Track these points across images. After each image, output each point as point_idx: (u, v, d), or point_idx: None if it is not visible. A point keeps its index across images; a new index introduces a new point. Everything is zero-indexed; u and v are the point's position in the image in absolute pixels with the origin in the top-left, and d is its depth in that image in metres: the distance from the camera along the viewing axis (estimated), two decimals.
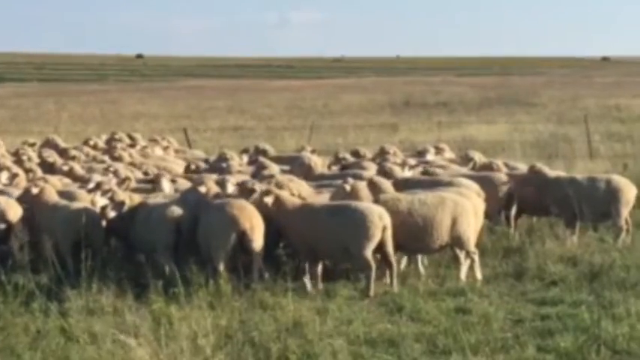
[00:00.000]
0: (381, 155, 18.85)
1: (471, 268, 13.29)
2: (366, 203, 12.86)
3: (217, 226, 12.41)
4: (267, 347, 9.88)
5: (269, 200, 12.77)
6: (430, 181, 15.13)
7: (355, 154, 19.71)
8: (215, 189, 13.68)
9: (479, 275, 13.23)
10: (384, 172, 15.53)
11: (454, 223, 13.04)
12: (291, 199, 12.96)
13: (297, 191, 13.37)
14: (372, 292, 12.23)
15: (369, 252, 12.36)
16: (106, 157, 19.59)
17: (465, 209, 13.23)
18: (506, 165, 17.30)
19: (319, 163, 17.88)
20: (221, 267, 12.20)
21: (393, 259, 12.65)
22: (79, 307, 11.17)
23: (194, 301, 11.29)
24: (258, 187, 13.18)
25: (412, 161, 17.45)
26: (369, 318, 11.17)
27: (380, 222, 12.35)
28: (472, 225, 13.34)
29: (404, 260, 13.78)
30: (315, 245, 12.64)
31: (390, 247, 12.55)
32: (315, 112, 48.60)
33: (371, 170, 16.57)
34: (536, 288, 12.68)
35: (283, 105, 57.43)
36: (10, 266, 12.87)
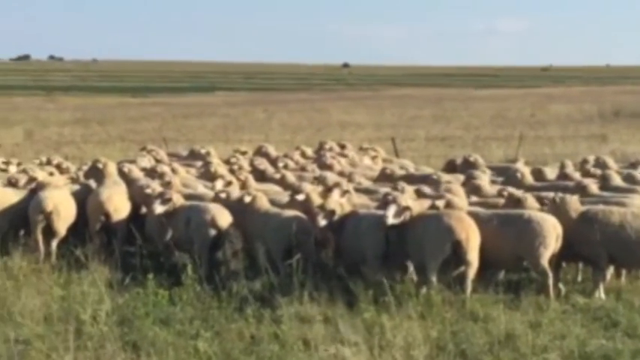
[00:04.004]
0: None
1: None
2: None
3: (433, 235, 12.38)
4: None
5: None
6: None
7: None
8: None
9: None
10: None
11: None
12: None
13: None
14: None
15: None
16: (315, 166, 19.82)
17: None
18: None
19: (528, 175, 17.63)
20: (433, 277, 12.16)
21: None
22: (291, 315, 11.24)
23: (404, 310, 11.26)
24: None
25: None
26: (582, 333, 10.87)
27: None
28: None
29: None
30: None
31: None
32: (522, 122, 47.92)
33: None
34: None
35: (489, 114, 56.92)
36: (224, 273, 13.18)
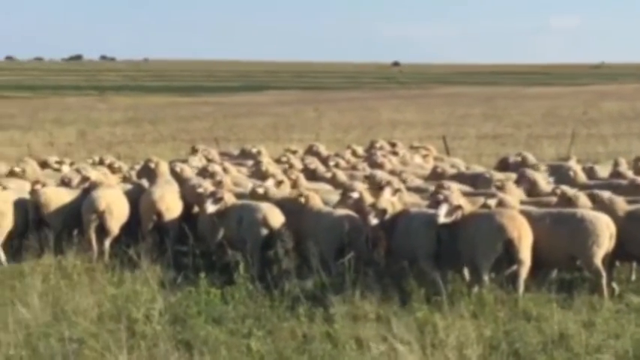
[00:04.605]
0: None
1: None
2: None
3: (485, 234, 12.31)
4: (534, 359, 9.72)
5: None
6: None
7: None
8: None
9: None
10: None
11: None
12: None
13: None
14: None
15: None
16: (366, 165, 19.80)
17: None
18: None
19: (581, 173, 17.49)
20: (485, 276, 12.09)
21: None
22: (342, 313, 11.21)
23: (457, 309, 11.21)
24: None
25: None
26: (637, 332, 10.70)
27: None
28: None
29: None
30: None
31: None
32: (574, 120, 47.54)
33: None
34: None
35: (540, 112, 56.58)
36: (276, 272, 13.21)
